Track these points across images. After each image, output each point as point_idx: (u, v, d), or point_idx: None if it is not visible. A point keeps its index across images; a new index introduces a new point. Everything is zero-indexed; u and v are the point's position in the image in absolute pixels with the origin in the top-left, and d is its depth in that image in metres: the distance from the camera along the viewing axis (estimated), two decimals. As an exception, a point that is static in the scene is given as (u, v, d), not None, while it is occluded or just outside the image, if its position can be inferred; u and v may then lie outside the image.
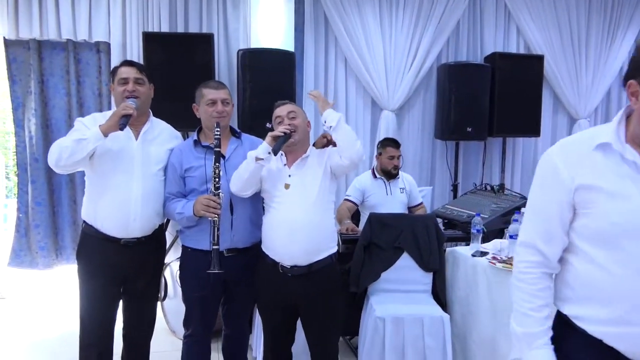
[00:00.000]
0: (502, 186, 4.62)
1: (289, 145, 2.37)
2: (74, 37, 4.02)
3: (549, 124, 4.99)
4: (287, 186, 2.38)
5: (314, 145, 2.53)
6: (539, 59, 4.60)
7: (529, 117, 4.59)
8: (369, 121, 4.68)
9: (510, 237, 2.89)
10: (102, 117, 2.44)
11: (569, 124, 5.08)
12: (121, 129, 2.24)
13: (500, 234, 3.69)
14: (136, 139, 2.44)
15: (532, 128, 4.63)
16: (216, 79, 3.96)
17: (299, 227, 2.32)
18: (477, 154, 4.92)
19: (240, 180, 2.37)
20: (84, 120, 2.43)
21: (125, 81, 2.41)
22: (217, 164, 2.37)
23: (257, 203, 2.58)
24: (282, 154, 2.45)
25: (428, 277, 3.13)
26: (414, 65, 4.58)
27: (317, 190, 2.39)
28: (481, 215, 3.82)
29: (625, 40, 5.01)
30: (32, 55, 4.01)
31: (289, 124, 2.38)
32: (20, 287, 4.46)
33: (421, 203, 3.93)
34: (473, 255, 2.96)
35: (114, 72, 2.48)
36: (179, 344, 2.67)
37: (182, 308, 2.65)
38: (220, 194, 2.36)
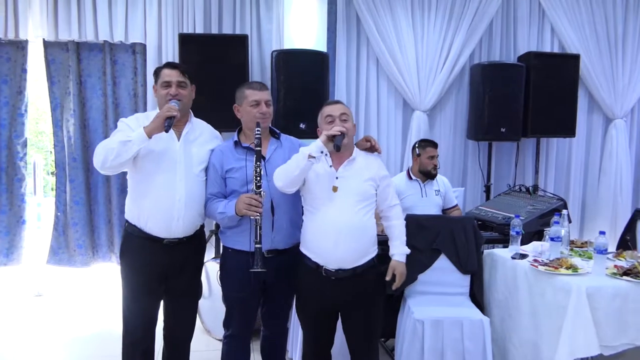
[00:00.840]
0: (536, 187, 4.58)
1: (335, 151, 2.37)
2: (111, 38, 4.09)
3: (583, 124, 4.90)
4: (335, 189, 2.38)
5: (356, 145, 2.53)
6: (575, 58, 4.52)
7: (564, 117, 4.51)
8: (400, 122, 4.66)
9: (551, 239, 2.85)
10: (144, 118, 2.47)
11: (604, 124, 4.99)
12: (166, 131, 2.27)
13: (537, 236, 3.65)
14: (178, 139, 2.46)
15: (567, 128, 4.55)
16: (252, 80, 3.98)
17: (346, 231, 2.32)
18: (509, 154, 4.85)
19: (288, 176, 2.35)
20: (127, 121, 2.46)
21: (168, 84, 2.44)
22: (258, 162, 2.38)
23: (297, 204, 2.58)
24: (326, 155, 2.45)
25: (466, 280, 3.10)
26: (446, 65, 4.54)
27: (364, 194, 2.39)
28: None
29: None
30: (70, 57, 4.08)
31: (341, 129, 2.36)
32: (57, 285, 4.55)
33: (456, 205, 3.90)
34: (513, 258, 2.92)
35: (156, 73, 2.51)
36: (214, 344, 2.70)
37: (217, 307, 2.68)
38: (262, 192, 2.37)
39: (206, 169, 2.54)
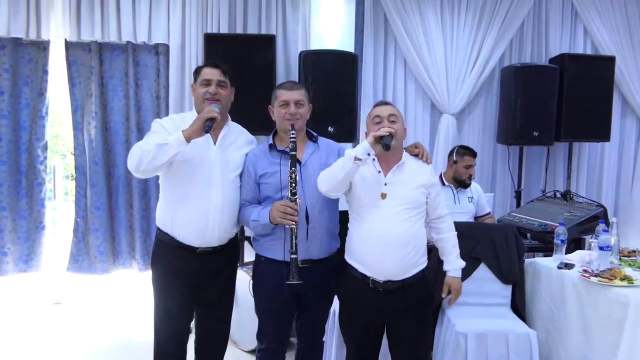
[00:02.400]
0: (568, 193, 4.42)
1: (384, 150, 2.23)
2: (134, 39, 4.00)
3: (616, 128, 4.74)
4: (383, 196, 2.25)
5: (405, 150, 2.39)
6: (610, 60, 4.37)
7: (598, 121, 4.36)
8: (428, 125, 4.53)
9: (600, 248, 2.70)
10: (180, 120, 2.35)
11: (637, 128, 4.83)
12: (207, 131, 2.15)
13: (574, 245, 3.51)
14: (214, 143, 2.34)
15: (601, 133, 4.40)
16: (277, 81, 3.87)
17: (396, 241, 2.19)
18: (539, 159, 4.71)
19: (333, 180, 2.22)
20: (162, 122, 2.34)
21: (208, 83, 2.32)
22: (293, 168, 2.25)
23: (334, 212, 2.46)
24: (374, 160, 2.32)
25: (507, 290, 2.96)
26: (476, 67, 4.42)
27: (414, 201, 2.25)
28: (554, 223, 3.63)
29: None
30: (92, 58, 3.99)
31: (389, 128, 2.23)
32: (76, 292, 4.44)
33: (489, 213, 3.75)
34: (559, 268, 2.78)
35: (197, 72, 2.40)
36: (240, 356, 2.57)
37: (244, 317, 2.56)
38: (298, 200, 2.24)
39: (241, 175, 2.42)
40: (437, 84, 4.37)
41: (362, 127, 4.23)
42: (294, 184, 2.24)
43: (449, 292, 2.40)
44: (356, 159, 2.16)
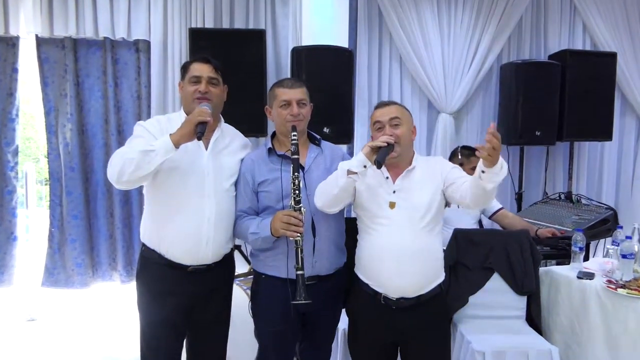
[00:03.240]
0: (571, 195, 4.26)
1: (388, 159, 2.01)
2: (112, 35, 3.70)
3: (616, 127, 4.56)
4: (392, 205, 2.03)
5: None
6: (612, 56, 4.22)
7: (600, 119, 4.20)
8: (425, 124, 4.32)
9: (623, 256, 2.53)
10: (167, 122, 2.10)
11: (637, 127, 4.70)
12: (198, 138, 1.90)
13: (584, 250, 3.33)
14: (206, 148, 2.09)
15: (603, 132, 4.24)
16: (268, 79, 3.63)
17: (409, 255, 1.97)
18: (538, 159, 4.54)
19: (327, 196, 2.02)
20: (146, 125, 2.08)
21: (197, 80, 2.08)
22: (296, 173, 2.02)
23: (341, 222, 2.24)
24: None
25: (522, 301, 2.76)
26: (474, 64, 4.22)
27: (428, 208, 2.03)
28: (563, 228, 3.45)
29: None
30: (67, 55, 3.68)
31: (390, 134, 2.01)
32: (52, 308, 4.12)
33: (502, 207, 3.44)
34: (579, 278, 2.59)
35: (185, 67, 2.15)
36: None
37: (240, 339, 2.34)
38: (302, 209, 2.01)
39: (236, 183, 2.18)
40: (434, 82, 4.17)
41: (357, 128, 4.02)
42: (297, 191, 2.01)
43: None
44: (350, 172, 1.94)
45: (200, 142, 2.01)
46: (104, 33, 3.67)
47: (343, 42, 4.00)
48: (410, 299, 2.01)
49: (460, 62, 4.21)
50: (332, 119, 3.50)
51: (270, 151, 2.18)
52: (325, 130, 3.48)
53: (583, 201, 3.77)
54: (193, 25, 3.75)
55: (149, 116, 3.78)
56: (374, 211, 2.06)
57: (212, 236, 2.05)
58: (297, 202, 2.01)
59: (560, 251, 3.04)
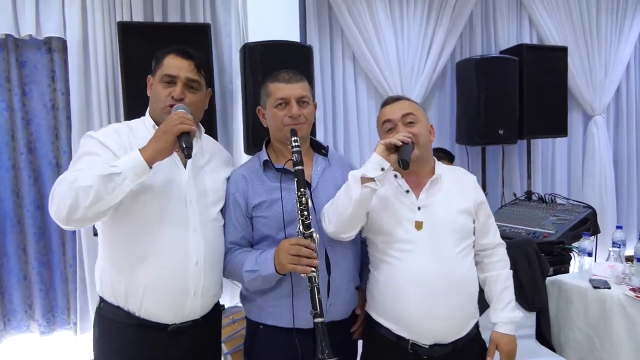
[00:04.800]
0: (529, 193, 4.15)
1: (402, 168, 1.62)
2: (16, 32, 3.01)
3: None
4: (419, 225, 1.64)
5: None
6: (563, 50, 4.15)
7: (555, 115, 4.13)
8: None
9: (639, 260, 2.32)
10: (129, 132, 1.58)
11: (584, 122, 4.70)
12: (187, 156, 1.40)
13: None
14: (184, 166, 1.58)
15: (559, 128, 4.17)
16: (214, 79, 3.13)
17: (444, 288, 1.60)
18: (493, 159, 4.38)
19: (341, 216, 1.60)
20: (100, 137, 1.54)
21: (171, 80, 1.57)
22: (302, 189, 1.57)
23: (357, 251, 1.82)
24: (396, 176, 1.72)
25: (531, 318, 2.51)
26: (429, 62, 3.97)
27: (461, 229, 1.67)
28: (545, 230, 3.27)
29: (632, 31, 4.71)
30: (-43, 57, 2.95)
31: (406, 134, 1.62)
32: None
33: None
34: (595, 287, 2.35)
35: (157, 59, 1.63)
36: None
37: None
38: (315, 234, 1.57)
39: (222, 209, 1.69)
40: (391, 81, 3.86)
41: (318, 132, 3.61)
42: (305, 212, 1.56)
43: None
44: (365, 179, 1.54)
45: (176, 157, 1.51)
46: (5, 30, 2.97)
47: (293, 39, 3.58)
48: (446, 345, 1.63)
49: (415, 59, 3.95)
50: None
51: (266, 164, 1.72)
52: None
53: (558, 200, 3.62)
54: (119, 19, 3.15)
55: (69, 130, 3.14)
56: (394, 234, 1.66)
57: (202, 283, 1.56)
58: (307, 227, 1.56)
59: (555, 257, 2.82)
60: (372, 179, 1.55)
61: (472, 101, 3.83)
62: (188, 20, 3.36)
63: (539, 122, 4.03)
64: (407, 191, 1.71)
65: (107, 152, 1.49)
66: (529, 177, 4.29)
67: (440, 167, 1.78)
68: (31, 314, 3.21)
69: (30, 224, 3.14)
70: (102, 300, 1.60)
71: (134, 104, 2.89)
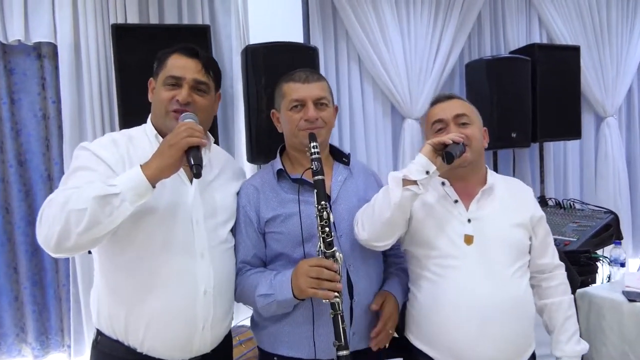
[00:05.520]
0: (543, 198, 3.98)
1: (457, 167, 1.46)
2: (3, 37, 2.84)
3: (577, 124, 4.41)
4: (468, 239, 1.47)
5: None
6: (576, 50, 4.00)
7: (569, 117, 3.98)
8: (390, 131, 3.85)
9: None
10: (128, 142, 1.41)
11: (596, 123, 4.55)
12: (196, 175, 1.22)
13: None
14: (190, 181, 1.40)
15: (573, 130, 4.02)
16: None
17: (499, 312, 1.43)
18: (504, 163, 4.22)
19: (377, 222, 1.43)
20: (96, 150, 1.35)
21: (176, 82, 1.39)
22: (323, 202, 1.39)
23: (379, 270, 1.64)
24: (443, 184, 1.55)
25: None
26: (437, 64, 3.81)
27: (517, 246, 1.51)
28: (567, 238, 3.10)
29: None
30: (-61, 65, 2.77)
31: (460, 136, 1.46)
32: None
33: None
34: (631, 300, 2.18)
35: (160, 60, 1.45)
36: None
37: None
38: (338, 254, 1.39)
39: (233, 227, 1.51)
40: (398, 85, 3.70)
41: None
42: (327, 229, 1.38)
43: None
44: (407, 181, 1.37)
45: (181, 171, 1.33)
46: (-9, 35, 2.81)
47: (296, 40, 3.42)
48: None
49: (423, 61, 3.79)
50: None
51: (281, 174, 1.54)
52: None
53: (577, 206, 3.45)
54: (112, 22, 2.98)
55: (60, 140, 2.95)
56: (439, 247, 1.49)
57: (212, 315, 1.38)
58: (329, 245, 1.38)
59: (582, 267, 2.65)
60: (415, 182, 1.38)
61: (484, 103, 3.65)
62: (186, 21, 3.20)
63: (552, 124, 3.87)
64: (456, 201, 1.54)
65: (102, 166, 1.31)
66: (542, 181, 4.12)
67: (492, 175, 1.61)
68: (23, 337, 3.01)
69: (22, 241, 2.95)
70: (99, 333, 1.41)
71: (130, 111, 2.72)
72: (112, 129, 2.99)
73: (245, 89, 2.92)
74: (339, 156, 1.67)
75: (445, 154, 1.39)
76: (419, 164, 1.40)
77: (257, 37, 3.26)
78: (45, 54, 2.96)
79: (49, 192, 2.98)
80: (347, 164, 1.65)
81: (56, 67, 2.95)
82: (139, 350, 1.36)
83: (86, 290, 2.91)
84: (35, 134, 2.99)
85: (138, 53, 2.73)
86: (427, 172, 1.39)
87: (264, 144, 2.84)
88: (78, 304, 2.97)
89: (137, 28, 2.88)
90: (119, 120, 2.76)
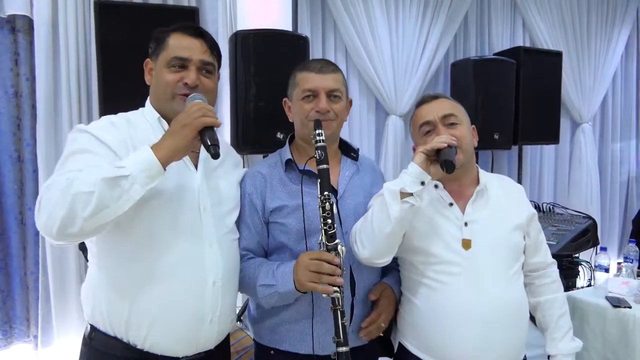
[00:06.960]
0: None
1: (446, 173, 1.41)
2: (-26, 8, 2.66)
3: (554, 129, 4.47)
4: (466, 244, 1.44)
5: None
6: (558, 55, 4.05)
7: (548, 122, 4.04)
8: (374, 126, 3.82)
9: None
10: (127, 125, 1.31)
11: (572, 129, 4.64)
12: (214, 156, 1.14)
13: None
14: (196, 168, 1.32)
15: (551, 134, 4.08)
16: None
17: (500, 317, 1.40)
18: (483, 166, 4.25)
19: (377, 237, 1.37)
20: (96, 132, 1.26)
21: (182, 63, 1.31)
22: (325, 193, 1.33)
23: (380, 270, 1.59)
24: (436, 186, 1.50)
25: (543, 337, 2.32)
26: (423, 62, 3.80)
27: (514, 249, 1.49)
28: (548, 242, 3.13)
29: (620, 40, 4.68)
30: None
31: (451, 138, 1.41)
32: None
33: None
34: (615, 306, 2.21)
35: (159, 41, 1.36)
36: None
37: None
38: (340, 247, 1.33)
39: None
40: (384, 80, 3.66)
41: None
42: (329, 220, 1.32)
43: None
44: (404, 194, 1.31)
45: (188, 160, 1.25)
46: (-39, 5, 2.63)
47: (284, 28, 3.33)
48: None
49: (409, 59, 3.77)
50: (286, 123, 2.81)
51: (289, 164, 1.47)
52: (279, 135, 2.78)
53: (556, 210, 3.50)
54: (93, 0, 2.84)
55: (33, 120, 2.79)
56: (437, 254, 1.45)
57: (219, 308, 1.31)
58: (331, 238, 1.32)
59: (564, 270, 2.68)
60: (411, 194, 1.34)
61: (469, 103, 3.63)
62: (171, 2, 3.07)
63: (532, 128, 3.91)
64: (451, 204, 1.49)
65: (104, 149, 1.22)
66: (520, 184, 4.15)
67: (485, 175, 1.58)
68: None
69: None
70: (93, 329, 1.31)
71: (110, 92, 2.60)
72: (89, 111, 2.87)
73: (233, 76, 2.82)
74: (348, 151, 1.62)
75: (445, 163, 1.34)
76: (413, 175, 1.35)
77: (245, 23, 3.17)
78: (19, 28, 2.78)
79: (18, 174, 2.83)
80: (356, 159, 1.60)
81: (31, 43, 2.78)
82: (139, 347, 1.27)
83: (57, 279, 2.77)
84: (5, 112, 2.81)
85: (121, 33, 2.61)
86: (422, 183, 1.35)
87: (251, 134, 2.76)
88: (47, 292, 2.82)
89: (122, 5, 2.73)
90: (98, 101, 2.64)
